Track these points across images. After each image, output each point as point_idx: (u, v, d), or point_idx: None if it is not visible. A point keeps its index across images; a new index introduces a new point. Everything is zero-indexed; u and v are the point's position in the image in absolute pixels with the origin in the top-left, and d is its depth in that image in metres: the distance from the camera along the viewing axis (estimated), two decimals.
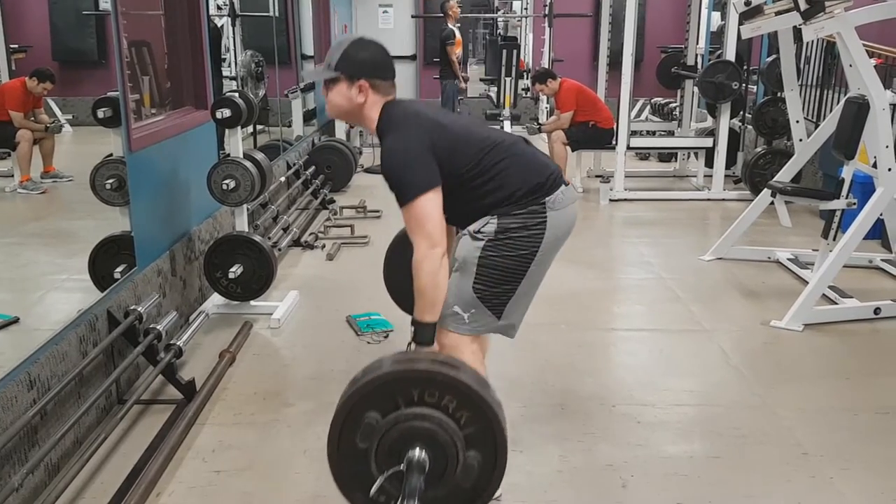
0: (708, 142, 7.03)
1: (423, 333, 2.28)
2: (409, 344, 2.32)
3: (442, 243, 2.23)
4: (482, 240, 2.36)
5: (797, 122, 5.31)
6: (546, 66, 9.13)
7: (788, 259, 4.93)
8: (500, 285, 2.38)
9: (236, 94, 3.99)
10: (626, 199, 6.82)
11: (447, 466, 1.86)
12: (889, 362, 3.65)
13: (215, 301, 4.11)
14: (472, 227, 2.38)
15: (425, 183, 2.24)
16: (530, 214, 2.35)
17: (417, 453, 1.85)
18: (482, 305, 2.38)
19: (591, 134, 7.11)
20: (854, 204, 4.31)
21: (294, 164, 6.48)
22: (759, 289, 4.61)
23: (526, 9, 11.08)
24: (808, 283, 4.26)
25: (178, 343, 3.22)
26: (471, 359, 2.39)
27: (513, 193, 2.34)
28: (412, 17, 11.03)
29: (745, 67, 7.05)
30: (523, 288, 2.42)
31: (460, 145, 2.34)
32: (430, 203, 2.24)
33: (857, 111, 4.13)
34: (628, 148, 6.94)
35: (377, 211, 6.20)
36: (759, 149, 6.80)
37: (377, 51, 2.42)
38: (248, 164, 3.88)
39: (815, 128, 5.29)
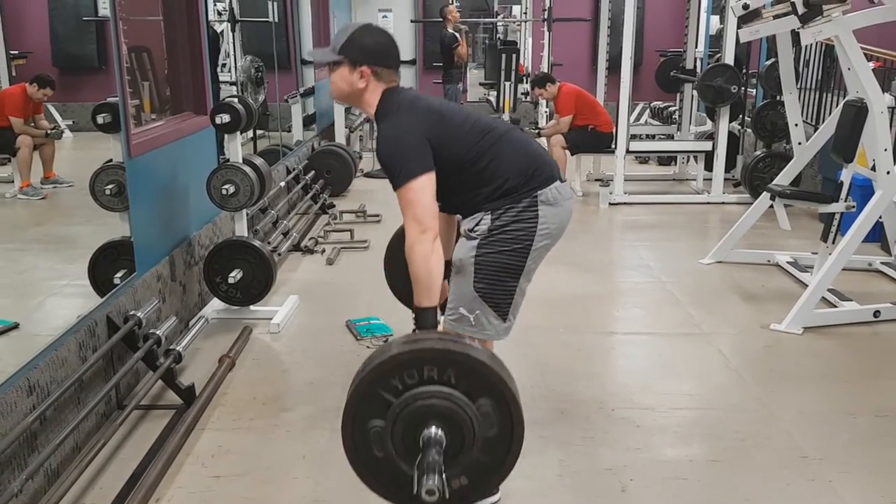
0: (707, 145, 7.04)
1: (425, 319, 2.28)
2: (413, 332, 2.32)
3: (432, 227, 2.24)
4: (476, 238, 2.39)
5: (796, 125, 5.31)
6: (545, 71, 9.15)
7: (788, 262, 4.94)
8: (500, 282, 2.40)
9: (236, 100, 4.00)
10: (625, 203, 6.82)
11: (464, 442, 1.86)
12: (889, 365, 3.65)
13: (215, 306, 4.11)
14: (467, 226, 2.41)
15: (418, 168, 2.26)
16: (523, 209, 2.37)
17: (433, 431, 1.85)
18: (486, 305, 2.40)
19: (591, 138, 7.12)
20: (853, 207, 4.31)
21: (294, 169, 6.49)
22: (759, 292, 4.61)
23: (525, 13, 11.08)
24: (807, 286, 4.26)
25: (177, 348, 3.22)
26: None
27: (505, 181, 2.36)
28: (412, 21, 11.05)
29: (743, 71, 7.06)
30: (522, 283, 2.44)
31: (456, 133, 2.37)
32: (422, 187, 2.26)
33: (856, 114, 4.13)
34: (628, 151, 6.94)
35: (377, 215, 6.20)
36: (758, 152, 6.80)
37: (382, 39, 2.44)
38: (247, 169, 3.89)
39: (814, 131, 5.29)
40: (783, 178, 4.98)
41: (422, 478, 1.79)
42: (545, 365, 3.57)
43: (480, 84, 11.60)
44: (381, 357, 1.92)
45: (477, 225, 2.39)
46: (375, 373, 1.90)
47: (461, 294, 2.40)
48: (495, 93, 9.72)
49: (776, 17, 4.39)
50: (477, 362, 1.88)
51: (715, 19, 8.83)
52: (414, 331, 2.32)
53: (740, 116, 7.39)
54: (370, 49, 2.40)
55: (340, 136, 8.19)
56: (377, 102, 2.41)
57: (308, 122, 7.95)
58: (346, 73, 2.39)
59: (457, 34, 8.93)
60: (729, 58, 6.65)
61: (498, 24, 11.61)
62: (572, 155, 7.19)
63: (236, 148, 3.97)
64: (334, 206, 6.54)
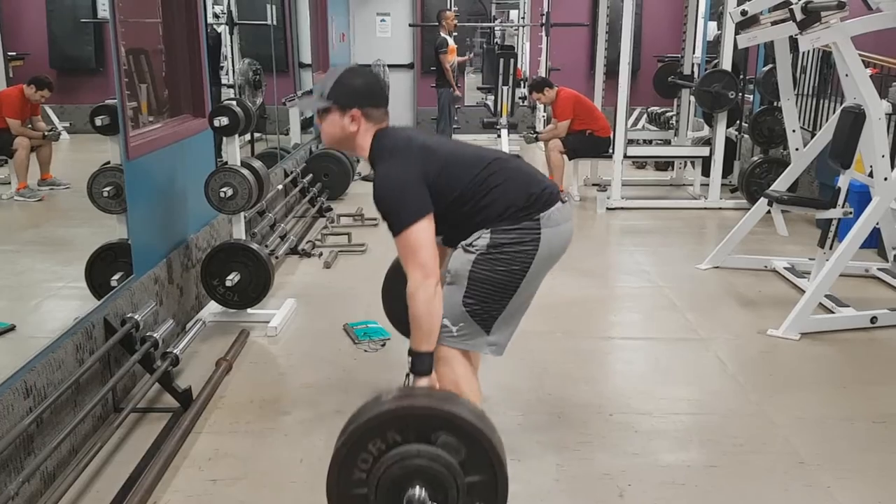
0: (704, 151, 7.04)
1: (421, 364, 2.28)
2: (408, 375, 2.33)
3: (435, 273, 2.24)
4: (474, 253, 2.37)
5: (793, 131, 5.32)
6: (543, 75, 9.16)
7: (785, 268, 4.94)
8: (490, 300, 2.38)
9: (234, 103, 4.00)
10: (622, 208, 6.83)
11: (443, 480, 1.89)
12: (885, 371, 3.66)
13: (212, 309, 4.10)
14: (465, 241, 2.39)
15: (417, 211, 2.25)
16: (524, 230, 2.35)
17: (410, 493, 1.88)
18: (471, 319, 2.39)
19: (588, 142, 7.12)
20: (850, 213, 4.32)
21: (292, 172, 6.48)
22: (756, 297, 4.62)
23: (523, 18, 11.11)
24: (804, 291, 4.26)
25: (174, 351, 3.22)
26: (461, 371, 2.40)
27: (507, 209, 2.35)
28: (409, 25, 11.05)
29: (741, 77, 7.07)
30: (514, 304, 2.43)
31: (452, 167, 2.36)
32: (423, 231, 2.24)
33: (854, 121, 4.14)
34: (625, 156, 6.95)
35: (374, 219, 6.19)
36: (755, 158, 6.81)
37: (370, 79, 2.46)
38: (245, 172, 3.88)
39: (812, 137, 5.31)
40: (780, 184, 4.99)
41: None
42: (543, 369, 3.57)
43: (478, 88, 11.62)
44: (362, 417, 1.95)
45: (476, 240, 2.37)
46: (335, 476, 1.94)
47: (449, 305, 2.36)
48: (493, 97, 9.73)
49: (774, 23, 4.40)
50: (401, 410, 1.92)
51: (712, 25, 8.85)
52: (408, 375, 2.32)
53: (738, 122, 7.41)
54: (359, 91, 2.39)
55: None
56: (370, 145, 2.39)
57: (306, 125, 7.94)
58: (337, 118, 2.38)
59: (448, 39, 8.93)
60: (726, 63, 6.67)
61: (496, 28, 11.63)
62: (570, 160, 7.19)
63: (234, 151, 3.97)
64: (332, 209, 6.53)
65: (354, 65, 2.52)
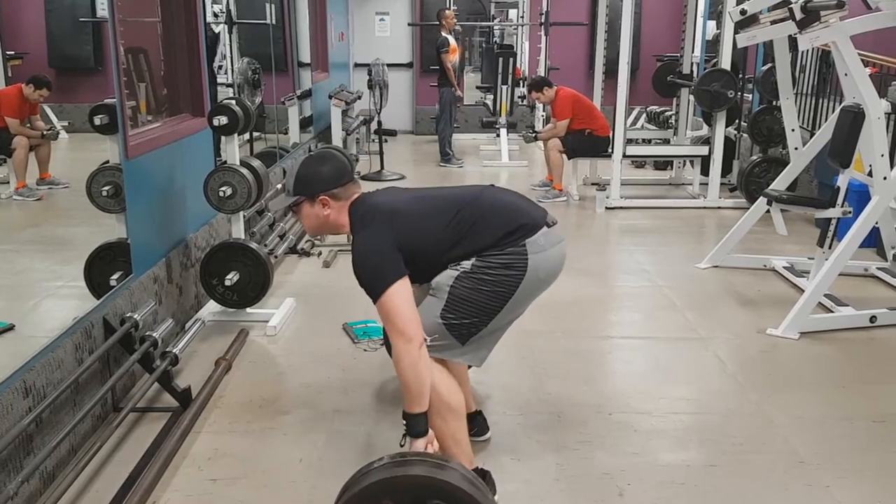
0: (704, 150, 7.04)
1: (416, 426, 2.30)
2: (403, 437, 2.34)
3: (417, 335, 2.26)
4: (457, 270, 2.40)
5: (793, 130, 5.32)
6: (542, 74, 9.16)
7: (784, 267, 4.94)
8: (469, 318, 2.41)
9: (233, 102, 3.99)
10: (622, 207, 6.83)
11: None
12: (885, 370, 3.66)
13: (211, 308, 4.10)
14: (453, 263, 2.42)
15: (389, 277, 2.29)
16: (510, 255, 2.38)
17: None
18: (447, 332, 2.41)
19: (588, 142, 7.13)
20: (849, 212, 4.32)
21: None
22: (755, 297, 4.62)
23: (522, 17, 11.11)
24: (803, 291, 4.26)
25: (174, 350, 3.22)
26: (438, 377, 2.40)
27: (490, 244, 2.38)
28: (409, 24, 11.05)
29: (740, 76, 7.07)
30: (495, 325, 2.45)
31: (425, 224, 2.41)
32: (397, 296, 2.28)
33: (853, 120, 4.14)
34: (624, 156, 6.95)
35: None
36: (754, 157, 6.81)
37: (327, 163, 2.52)
38: (244, 171, 3.88)
39: (811, 136, 5.31)
40: (779, 183, 4.99)
41: None
42: (542, 369, 3.56)
43: (477, 87, 11.63)
44: (357, 485, 1.96)
45: (462, 261, 2.40)
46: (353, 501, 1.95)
47: (426, 315, 2.38)
48: (492, 96, 9.74)
49: (773, 22, 4.40)
50: (395, 480, 1.92)
51: (711, 24, 8.85)
52: (404, 436, 2.33)
53: (737, 121, 7.41)
54: (320, 177, 2.47)
55: (337, 138, 8.19)
56: (348, 220, 2.47)
57: (305, 124, 7.94)
58: (309, 209, 2.49)
59: (449, 38, 8.92)
60: (726, 63, 6.67)
61: (495, 27, 11.62)
62: (569, 159, 7.19)
63: (234, 150, 3.97)
64: None
65: (311, 153, 2.59)
